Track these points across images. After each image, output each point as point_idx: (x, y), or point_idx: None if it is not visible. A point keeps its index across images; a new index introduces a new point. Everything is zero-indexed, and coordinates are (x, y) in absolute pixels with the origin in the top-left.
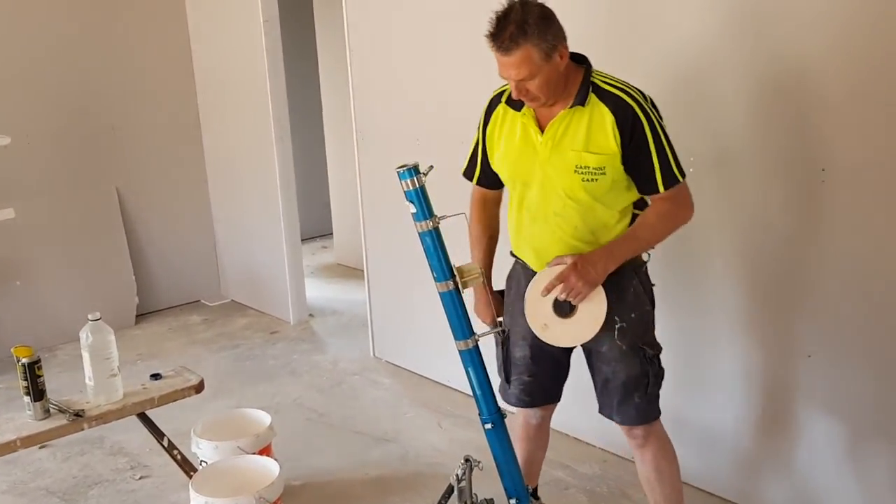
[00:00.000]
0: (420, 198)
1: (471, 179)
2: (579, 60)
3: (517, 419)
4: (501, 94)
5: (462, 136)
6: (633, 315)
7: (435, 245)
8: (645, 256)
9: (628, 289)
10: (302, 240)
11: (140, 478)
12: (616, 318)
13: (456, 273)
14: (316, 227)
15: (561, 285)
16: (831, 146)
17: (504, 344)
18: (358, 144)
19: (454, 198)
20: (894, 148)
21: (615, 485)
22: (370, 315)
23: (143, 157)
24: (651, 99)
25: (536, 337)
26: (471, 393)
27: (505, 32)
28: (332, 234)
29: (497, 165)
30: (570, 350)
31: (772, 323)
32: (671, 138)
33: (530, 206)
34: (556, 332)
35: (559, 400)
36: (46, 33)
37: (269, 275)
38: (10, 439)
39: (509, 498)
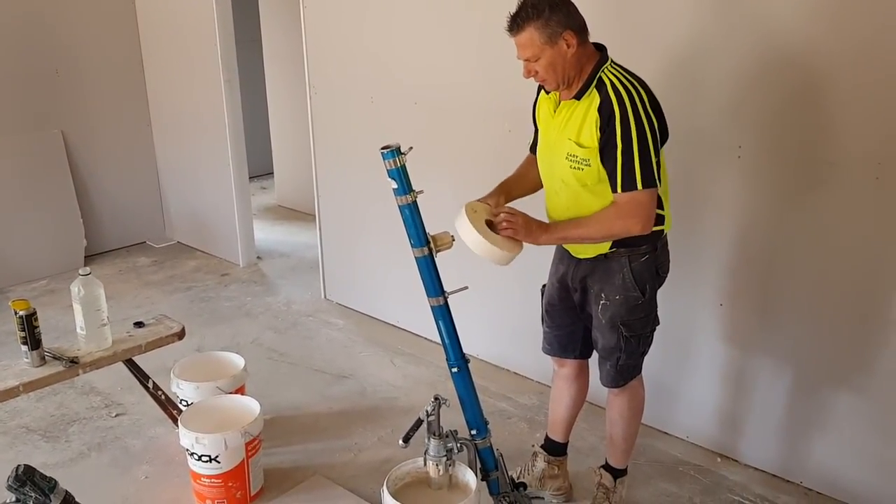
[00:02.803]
0: (401, 175)
1: (529, 149)
2: (602, 51)
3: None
4: None
5: (415, 98)
6: (616, 297)
7: (413, 216)
8: (645, 248)
9: (616, 274)
10: None
11: (116, 415)
12: (602, 295)
13: (430, 240)
14: (252, 168)
15: (507, 216)
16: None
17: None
18: (311, 99)
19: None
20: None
21: None
22: (321, 259)
23: (86, 100)
24: (648, 100)
25: (553, 293)
26: (422, 335)
27: (515, 15)
28: (269, 174)
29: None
30: (578, 313)
31: (689, 277)
32: (650, 146)
33: (545, 180)
34: (471, 232)
35: (579, 357)
36: None
37: (217, 217)
38: (14, 385)
39: (470, 429)
